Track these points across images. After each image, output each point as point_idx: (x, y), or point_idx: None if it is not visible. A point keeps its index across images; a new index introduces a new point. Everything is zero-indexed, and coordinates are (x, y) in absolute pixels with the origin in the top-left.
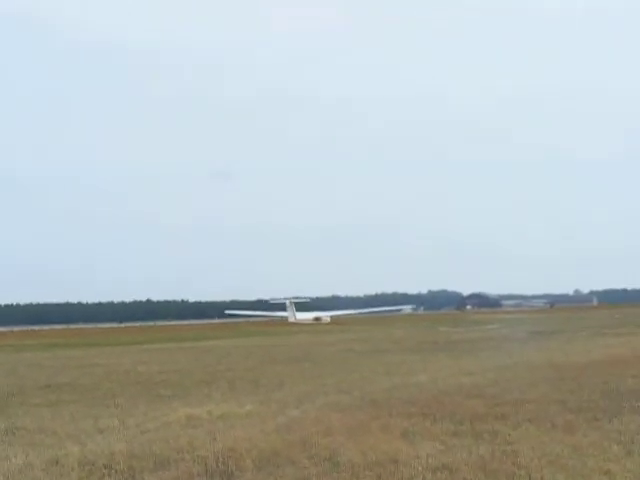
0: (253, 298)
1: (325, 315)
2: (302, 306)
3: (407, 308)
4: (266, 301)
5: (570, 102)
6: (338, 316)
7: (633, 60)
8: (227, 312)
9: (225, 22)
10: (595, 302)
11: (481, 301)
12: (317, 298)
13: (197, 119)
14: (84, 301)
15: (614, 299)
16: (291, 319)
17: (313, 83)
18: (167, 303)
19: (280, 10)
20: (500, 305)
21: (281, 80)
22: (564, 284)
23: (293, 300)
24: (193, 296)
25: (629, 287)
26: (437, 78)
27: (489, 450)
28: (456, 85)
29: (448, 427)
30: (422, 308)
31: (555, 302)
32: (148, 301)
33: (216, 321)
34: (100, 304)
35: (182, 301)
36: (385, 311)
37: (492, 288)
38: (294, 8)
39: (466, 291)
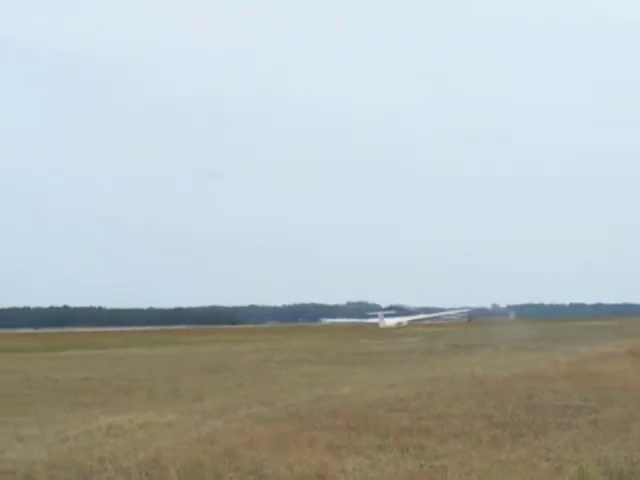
0: (171, 306)
1: (405, 320)
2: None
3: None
4: None
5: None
6: (414, 320)
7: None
8: (322, 320)
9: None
10: (513, 316)
11: (400, 313)
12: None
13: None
14: None
15: (531, 314)
16: (381, 325)
17: None
18: (84, 310)
19: None
20: None
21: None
22: (482, 298)
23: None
24: (110, 303)
25: (546, 302)
26: None
27: (417, 465)
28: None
29: (373, 441)
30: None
31: (473, 316)
32: (65, 307)
33: (131, 329)
34: (15, 309)
35: (99, 308)
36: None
37: (411, 301)
38: None
39: (385, 303)
